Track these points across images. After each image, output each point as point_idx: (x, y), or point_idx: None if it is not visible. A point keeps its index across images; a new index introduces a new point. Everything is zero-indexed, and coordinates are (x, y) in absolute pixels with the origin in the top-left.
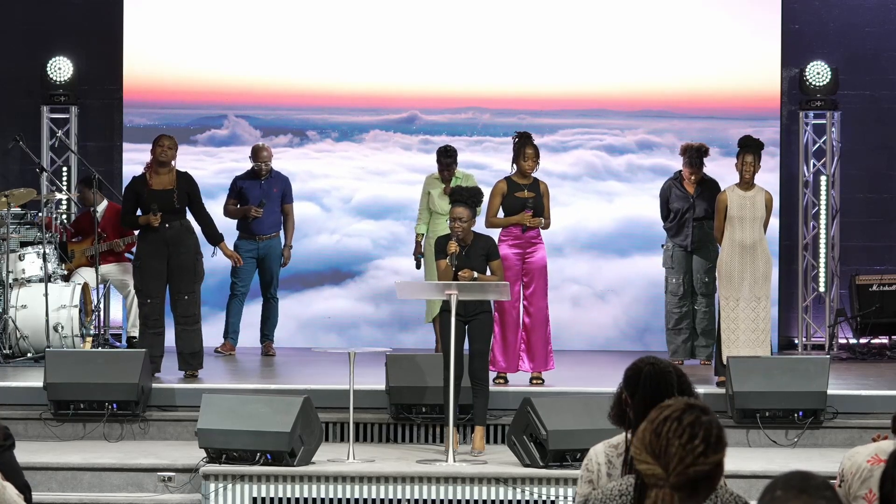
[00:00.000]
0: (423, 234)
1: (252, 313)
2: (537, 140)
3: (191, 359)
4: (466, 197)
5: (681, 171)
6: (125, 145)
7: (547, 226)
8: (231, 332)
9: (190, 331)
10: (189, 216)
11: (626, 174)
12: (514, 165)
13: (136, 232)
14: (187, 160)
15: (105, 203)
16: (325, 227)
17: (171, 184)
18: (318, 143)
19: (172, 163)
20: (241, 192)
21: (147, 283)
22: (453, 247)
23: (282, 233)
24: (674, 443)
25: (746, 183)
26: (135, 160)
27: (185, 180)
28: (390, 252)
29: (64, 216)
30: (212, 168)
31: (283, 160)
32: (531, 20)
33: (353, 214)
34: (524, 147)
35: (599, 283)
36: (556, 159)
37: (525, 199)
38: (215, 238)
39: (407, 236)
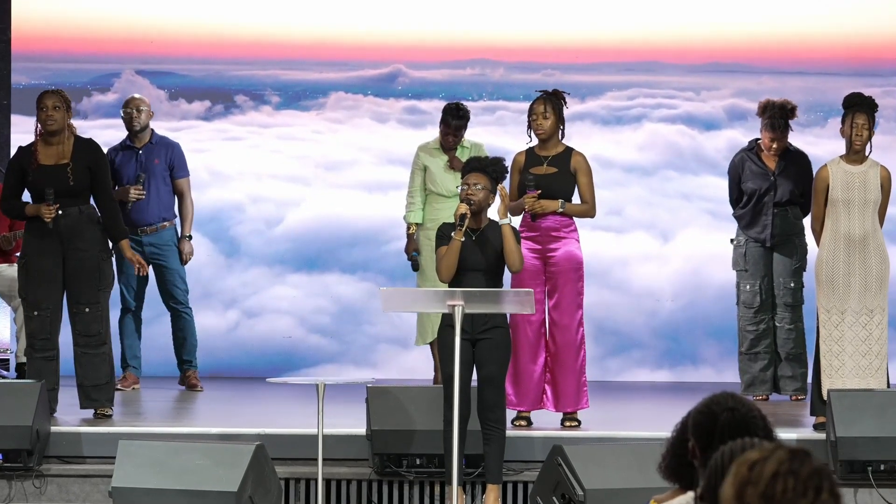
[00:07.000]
0: (418, 225)
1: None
2: (576, 108)
3: (94, 393)
4: (486, 164)
5: (757, 139)
6: (14, 105)
7: (587, 212)
8: (131, 357)
9: (93, 355)
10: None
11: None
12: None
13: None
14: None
15: None
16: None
17: (65, 156)
18: (251, 112)
19: (67, 128)
20: (115, 170)
21: (34, 289)
22: (463, 208)
23: (177, 220)
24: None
25: (857, 152)
26: (27, 124)
27: (87, 151)
28: (378, 208)
29: None
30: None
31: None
32: None
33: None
34: (532, 104)
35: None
36: (611, 137)
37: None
38: (118, 233)
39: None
